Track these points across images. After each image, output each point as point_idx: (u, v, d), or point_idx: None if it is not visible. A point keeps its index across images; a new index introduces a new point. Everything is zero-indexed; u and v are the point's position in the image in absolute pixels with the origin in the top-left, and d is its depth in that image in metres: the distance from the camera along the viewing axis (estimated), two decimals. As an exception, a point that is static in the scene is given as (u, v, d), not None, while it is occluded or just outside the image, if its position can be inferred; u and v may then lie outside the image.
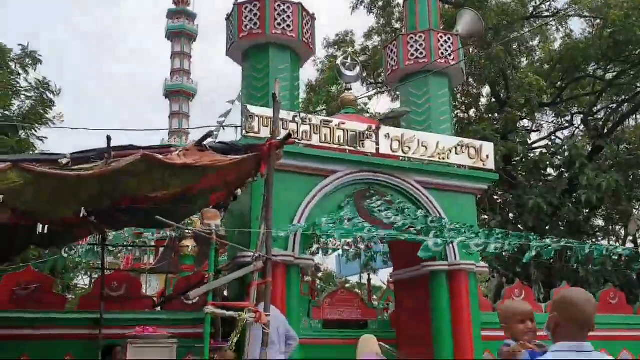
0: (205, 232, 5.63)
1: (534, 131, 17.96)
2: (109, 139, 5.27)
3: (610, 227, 16.24)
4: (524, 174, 15.51)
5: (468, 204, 10.18)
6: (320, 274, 26.66)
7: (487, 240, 7.61)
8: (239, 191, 8.51)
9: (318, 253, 17.63)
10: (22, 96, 15.29)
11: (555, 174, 16.14)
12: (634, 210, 13.99)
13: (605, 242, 16.11)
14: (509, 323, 3.84)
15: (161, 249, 19.71)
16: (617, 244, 18.39)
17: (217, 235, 6.03)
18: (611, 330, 11.44)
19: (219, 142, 6.12)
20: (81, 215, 5.11)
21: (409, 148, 9.67)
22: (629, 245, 18.86)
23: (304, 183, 9.09)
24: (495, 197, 15.64)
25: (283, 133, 8.73)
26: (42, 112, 15.06)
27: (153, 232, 19.71)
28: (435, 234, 8.07)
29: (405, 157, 9.77)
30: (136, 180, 5.69)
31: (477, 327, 9.70)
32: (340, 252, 23.98)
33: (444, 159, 9.87)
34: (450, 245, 9.66)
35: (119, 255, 25.14)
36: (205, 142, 5.92)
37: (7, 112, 14.77)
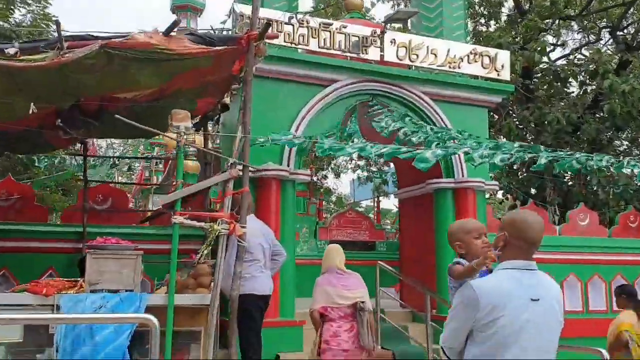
0: (171, 135, 5.03)
1: (558, 45, 16.77)
2: (58, 24, 4.60)
3: (636, 149, 15.31)
4: (544, 88, 14.50)
5: (480, 118, 9.44)
6: (333, 198, 26.31)
7: (494, 151, 6.93)
8: (227, 99, 7.91)
9: (317, 174, 17.13)
10: (23, 9, 14.58)
11: (578, 90, 15.14)
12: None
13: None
14: (465, 240, 3.79)
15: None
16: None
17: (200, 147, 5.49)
18: (630, 255, 10.89)
19: (189, 34, 5.41)
20: (30, 111, 4.53)
21: (417, 56, 8.86)
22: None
23: (301, 93, 8.40)
24: (513, 115, 14.72)
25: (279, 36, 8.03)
26: (44, 26, 14.37)
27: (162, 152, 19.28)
28: (437, 144, 7.39)
29: (412, 65, 8.98)
30: (96, 76, 5.08)
31: (483, 248, 9.17)
32: (351, 174, 23.73)
33: (454, 68, 9.07)
34: (458, 161, 9.03)
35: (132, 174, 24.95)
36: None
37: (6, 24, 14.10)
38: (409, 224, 10.34)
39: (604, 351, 4.68)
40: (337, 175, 22.06)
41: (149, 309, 4.76)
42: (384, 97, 8.93)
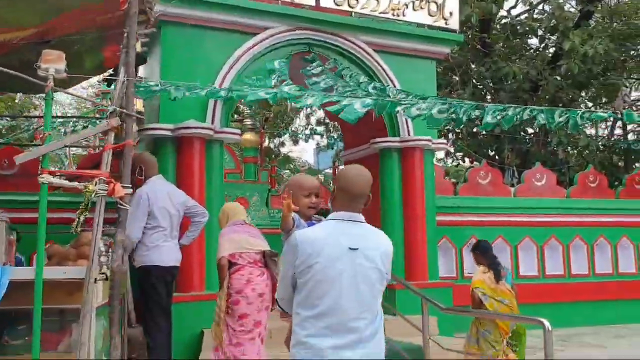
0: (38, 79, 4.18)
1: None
2: None
3: (598, 108, 14.81)
4: (501, 43, 13.79)
5: (427, 71, 8.69)
6: (293, 165, 25.55)
7: (432, 103, 6.22)
8: (137, 46, 7.04)
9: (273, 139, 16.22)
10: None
11: (538, 46, 14.49)
12: (623, 87, 12.52)
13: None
14: (297, 196, 3.87)
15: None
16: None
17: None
18: (589, 216, 10.39)
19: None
20: None
21: (357, 1, 8.06)
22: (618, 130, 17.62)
23: (227, 41, 7.54)
24: (471, 73, 14.02)
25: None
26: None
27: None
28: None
29: (352, 12, 8.17)
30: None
31: (431, 210, 8.53)
32: (313, 141, 22.98)
33: (399, 15, 8.28)
34: (404, 119, 8.30)
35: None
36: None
37: None
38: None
39: (545, 321, 4.14)
40: (295, 142, 21.28)
41: (17, 285, 4.00)
42: (322, 47, 8.12)
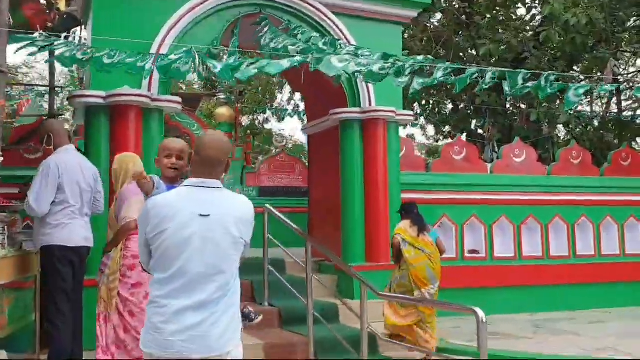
0: None
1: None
2: None
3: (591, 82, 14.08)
4: (483, 13, 13.01)
5: (392, 36, 8.02)
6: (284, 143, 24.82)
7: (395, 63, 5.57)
8: (61, 4, 6.41)
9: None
10: None
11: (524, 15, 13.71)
12: (612, 59, 11.81)
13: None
14: (159, 157, 3.99)
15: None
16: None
17: None
18: (570, 194, 9.77)
19: None
20: None
21: (313, -43, 7.38)
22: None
23: (167, 2, 6.90)
24: (452, 44, 13.27)
25: None
26: None
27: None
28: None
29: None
30: None
31: (395, 187, 7.92)
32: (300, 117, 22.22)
33: (360, -26, 7.61)
34: (365, 88, 7.66)
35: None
36: None
37: None
38: (317, 163, 9.02)
39: (478, 310, 3.60)
40: (280, 119, 20.59)
41: None
42: (276, 9, 7.45)
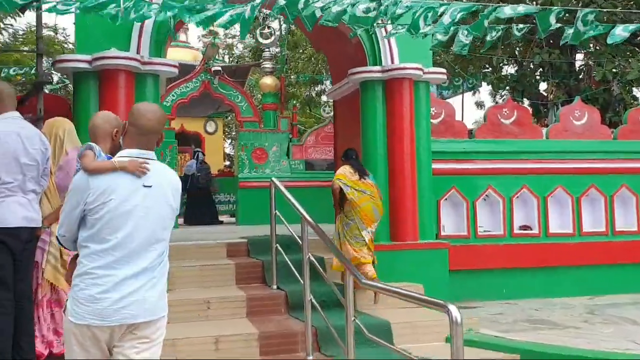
0: None
1: None
2: None
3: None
4: None
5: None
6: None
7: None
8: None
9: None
10: None
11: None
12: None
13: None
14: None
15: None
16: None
17: None
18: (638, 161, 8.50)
19: None
20: None
21: None
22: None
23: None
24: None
25: None
26: None
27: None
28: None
29: None
30: None
31: (424, 156, 6.99)
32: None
33: None
34: (387, 42, 6.75)
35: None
36: None
37: None
38: (342, 131, 8.20)
39: (452, 307, 2.73)
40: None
41: None
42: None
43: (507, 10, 4.58)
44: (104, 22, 5.87)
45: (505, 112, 8.38)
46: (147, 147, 2.89)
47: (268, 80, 14.04)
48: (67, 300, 2.89)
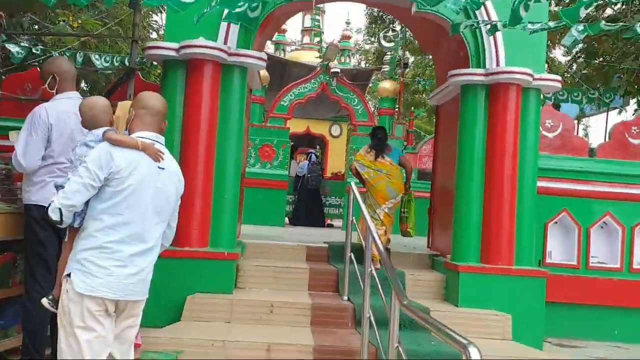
0: None
1: None
2: None
3: None
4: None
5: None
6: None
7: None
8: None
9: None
10: None
11: None
12: None
13: None
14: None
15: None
16: None
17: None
18: None
19: None
20: None
21: None
22: None
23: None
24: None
25: None
26: None
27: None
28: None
29: None
30: None
31: (528, 173, 6.22)
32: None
33: None
34: (492, 41, 6.12)
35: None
36: None
37: None
38: (442, 139, 7.59)
39: (473, 350, 2.20)
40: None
41: None
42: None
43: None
44: (194, 10, 5.83)
45: (635, 130, 7.37)
46: (158, 131, 3.13)
47: (386, 85, 13.64)
48: (67, 274, 2.90)
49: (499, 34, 6.03)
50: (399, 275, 6.26)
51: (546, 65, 19.04)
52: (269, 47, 22.33)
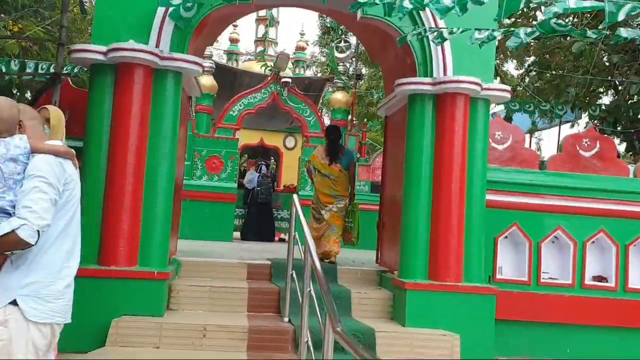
0: None
1: None
2: None
3: None
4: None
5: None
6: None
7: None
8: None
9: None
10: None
11: None
12: None
13: None
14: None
15: None
16: None
17: None
18: None
19: None
20: None
21: None
22: None
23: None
24: None
25: None
26: None
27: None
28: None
29: None
30: None
31: (477, 186, 6.00)
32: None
33: None
34: (439, 49, 5.88)
35: None
36: None
37: None
38: (390, 150, 7.33)
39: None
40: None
41: None
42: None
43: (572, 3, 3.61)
44: (124, 11, 5.44)
45: (586, 142, 7.22)
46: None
47: (339, 96, 13.37)
48: (10, 302, 2.56)
49: (447, 42, 5.81)
50: (344, 294, 5.99)
51: (498, 78, 19.24)
52: (222, 58, 21.95)
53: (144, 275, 5.35)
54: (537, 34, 4.28)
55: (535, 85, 15.25)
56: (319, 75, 20.39)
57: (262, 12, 19.62)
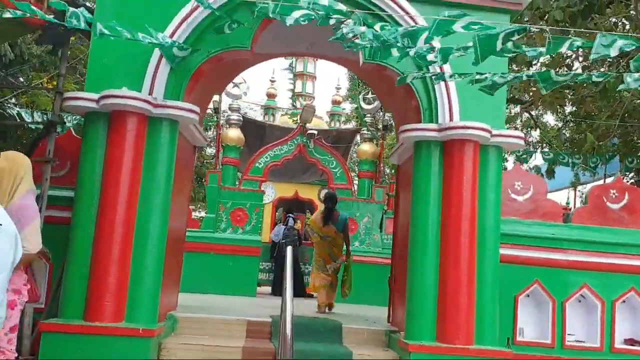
0: None
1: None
2: None
3: None
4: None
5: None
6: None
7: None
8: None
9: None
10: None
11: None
12: None
13: None
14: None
15: None
16: None
17: None
18: None
19: None
20: None
21: None
22: None
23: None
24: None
25: None
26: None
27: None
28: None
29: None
30: None
31: (490, 239, 5.56)
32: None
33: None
34: (445, 95, 5.57)
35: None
36: None
37: None
38: (401, 200, 6.95)
39: None
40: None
41: None
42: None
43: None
44: (118, 57, 5.36)
45: (613, 194, 6.71)
46: None
47: (366, 147, 13.12)
48: None
49: (452, 86, 5.51)
50: (345, 357, 5.56)
51: (537, 129, 18.65)
52: (257, 113, 22.12)
53: (128, 332, 5.06)
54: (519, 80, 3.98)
55: (574, 136, 14.68)
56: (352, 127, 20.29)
57: (300, 67, 19.79)
